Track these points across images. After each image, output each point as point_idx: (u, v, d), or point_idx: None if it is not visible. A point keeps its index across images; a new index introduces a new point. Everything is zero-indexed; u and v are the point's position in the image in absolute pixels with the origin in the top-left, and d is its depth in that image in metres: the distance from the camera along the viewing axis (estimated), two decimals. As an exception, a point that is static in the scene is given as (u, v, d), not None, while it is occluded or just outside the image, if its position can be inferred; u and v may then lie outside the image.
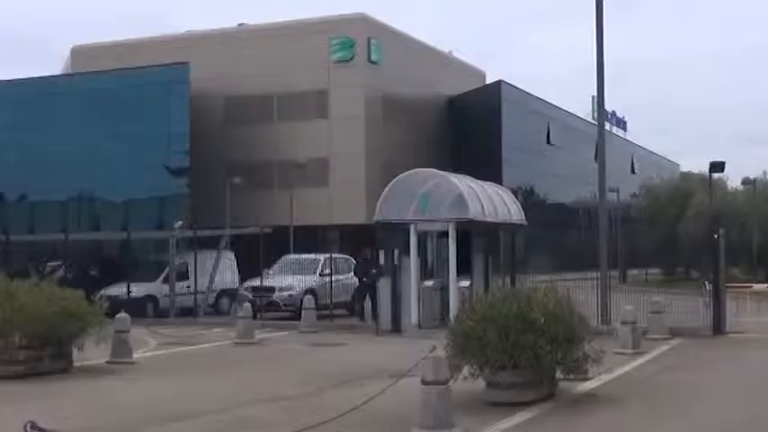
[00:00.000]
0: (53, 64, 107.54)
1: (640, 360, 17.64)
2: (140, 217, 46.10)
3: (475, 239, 23.43)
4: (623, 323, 18.75)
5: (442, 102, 57.74)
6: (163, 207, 46.97)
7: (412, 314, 22.61)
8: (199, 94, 49.56)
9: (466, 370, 12.44)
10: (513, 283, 23.54)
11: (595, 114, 71.66)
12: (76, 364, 16.73)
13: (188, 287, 27.72)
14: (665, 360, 17.91)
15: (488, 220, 22.65)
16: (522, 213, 25.06)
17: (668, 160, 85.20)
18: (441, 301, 22.81)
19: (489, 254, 23.12)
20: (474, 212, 22.01)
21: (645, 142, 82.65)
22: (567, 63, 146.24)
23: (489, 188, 24.30)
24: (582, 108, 72.02)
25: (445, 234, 22.76)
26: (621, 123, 75.74)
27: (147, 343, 21.41)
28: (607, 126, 74.82)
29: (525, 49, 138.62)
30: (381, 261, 23.37)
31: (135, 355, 18.39)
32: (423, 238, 23.89)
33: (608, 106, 74.12)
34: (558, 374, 13.06)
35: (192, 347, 20.54)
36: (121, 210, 48.15)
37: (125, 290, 27.48)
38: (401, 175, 22.91)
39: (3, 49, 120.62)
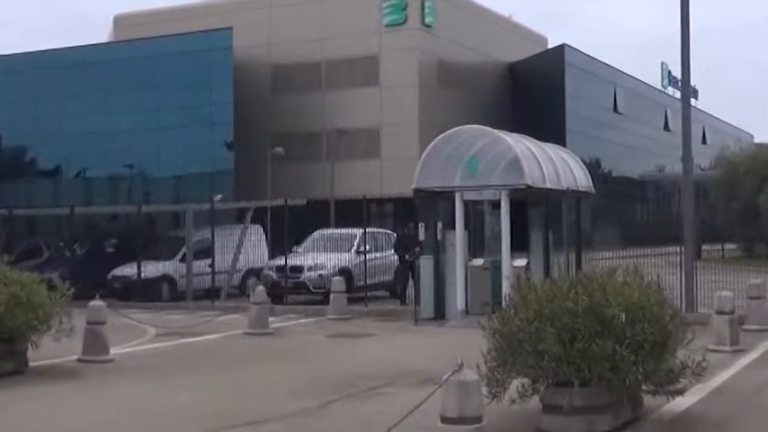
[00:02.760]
0: (98, 34, 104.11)
1: (743, 360, 13.60)
2: (185, 191, 43.00)
3: (533, 210, 19.36)
4: (719, 313, 14.68)
5: (501, 68, 53.56)
6: (206, 181, 43.81)
7: (458, 299, 18.70)
8: (244, 62, 46.37)
9: (514, 387, 8.64)
10: (578, 261, 19.54)
11: (665, 82, 67.08)
12: (36, 363, 13.24)
13: (210, 266, 24.16)
14: (776, 361, 13.81)
15: (549, 186, 18.58)
16: (590, 180, 20.96)
17: (741, 130, 79.84)
18: (492, 284, 18.86)
19: (550, 227, 19.06)
20: (532, 177, 17.96)
21: (714, 112, 77.56)
22: (630, 31, 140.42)
23: (551, 150, 20.22)
24: (649, 78, 67.07)
25: (498, 204, 18.82)
26: (692, 92, 70.66)
27: (146, 332, 17.88)
28: (677, 94, 70.06)
29: (588, 16, 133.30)
30: (421, 236, 19.49)
31: (119, 350, 14.87)
32: (471, 208, 20.01)
33: (678, 74, 69.53)
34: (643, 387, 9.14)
35: (192, 339, 16.88)
36: (165, 184, 45.26)
37: (142, 269, 24.14)
38: (444, 133, 18.96)
39: (46, 21, 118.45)
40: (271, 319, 19.40)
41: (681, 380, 9.23)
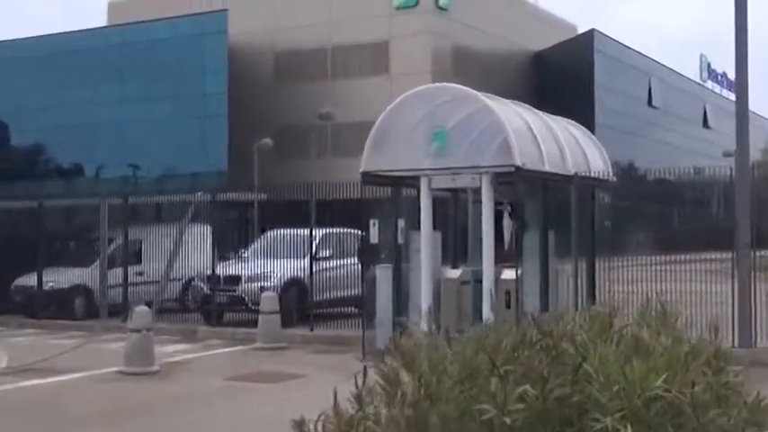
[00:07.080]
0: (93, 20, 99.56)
1: None
2: (175, 185, 37.97)
3: (528, 201, 13.84)
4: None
5: (524, 56, 47.94)
6: (199, 176, 38.74)
7: (423, 323, 13.24)
8: (244, 48, 41.32)
9: None
10: (591, 272, 14.06)
11: (704, 75, 61.03)
12: None
13: (139, 274, 18.90)
14: None
15: (549, 169, 13.10)
16: (608, 163, 15.38)
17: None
18: (474, 303, 13.45)
19: (551, 225, 13.63)
20: (523, 157, 12.50)
21: (754, 108, 71.37)
22: (664, 28, 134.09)
23: (557, 124, 14.71)
24: (686, 72, 61.00)
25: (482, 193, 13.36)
26: (732, 86, 64.73)
27: (-10, 368, 12.72)
28: (717, 89, 64.04)
29: (620, 14, 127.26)
30: (373, 238, 14.13)
31: None
32: (451, 200, 14.66)
33: (716, 67, 63.45)
34: None
35: (36, 382, 11.53)
36: (153, 178, 40.18)
37: (49, 278, 18.96)
38: (406, 94, 13.65)
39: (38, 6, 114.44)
40: (186, 346, 14.29)
41: None
